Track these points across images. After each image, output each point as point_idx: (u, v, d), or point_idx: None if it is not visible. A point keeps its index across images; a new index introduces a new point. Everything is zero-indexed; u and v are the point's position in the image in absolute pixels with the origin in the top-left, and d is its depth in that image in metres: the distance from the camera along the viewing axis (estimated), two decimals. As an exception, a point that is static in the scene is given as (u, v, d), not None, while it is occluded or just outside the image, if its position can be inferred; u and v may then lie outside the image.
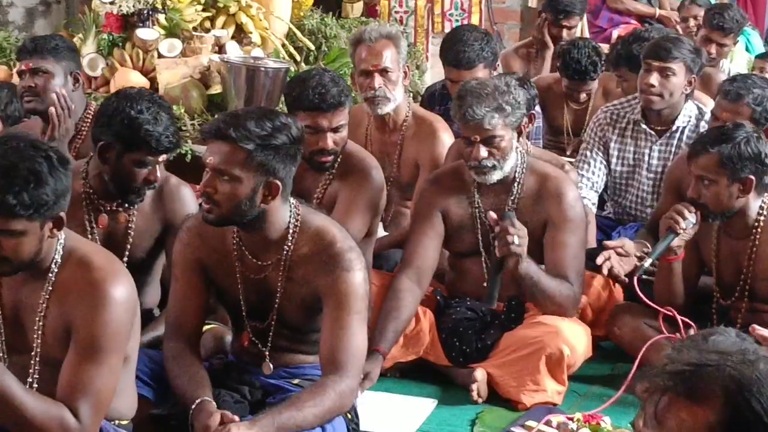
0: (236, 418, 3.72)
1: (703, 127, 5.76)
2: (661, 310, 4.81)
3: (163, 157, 4.40)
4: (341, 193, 4.94)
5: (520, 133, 4.92)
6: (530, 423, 4.39)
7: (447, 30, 6.77)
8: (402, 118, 5.67)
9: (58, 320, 3.49)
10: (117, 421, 3.70)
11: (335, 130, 4.82)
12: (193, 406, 3.79)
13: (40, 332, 3.51)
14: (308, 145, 4.61)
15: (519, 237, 4.57)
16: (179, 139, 4.60)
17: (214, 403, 3.85)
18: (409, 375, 4.93)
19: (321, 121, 4.75)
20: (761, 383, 2.13)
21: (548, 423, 4.36)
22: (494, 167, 4.74)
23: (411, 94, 6.42)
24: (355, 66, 5.73)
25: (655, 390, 2.20)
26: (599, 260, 5.17)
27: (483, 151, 4.68)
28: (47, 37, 5.53)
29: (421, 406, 4.65)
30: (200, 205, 4.15)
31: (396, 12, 7.20)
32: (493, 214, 4.61)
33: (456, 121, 4.93)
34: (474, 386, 4.65)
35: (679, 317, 4.74)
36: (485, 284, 4.86)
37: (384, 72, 5.49)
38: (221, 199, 3.87)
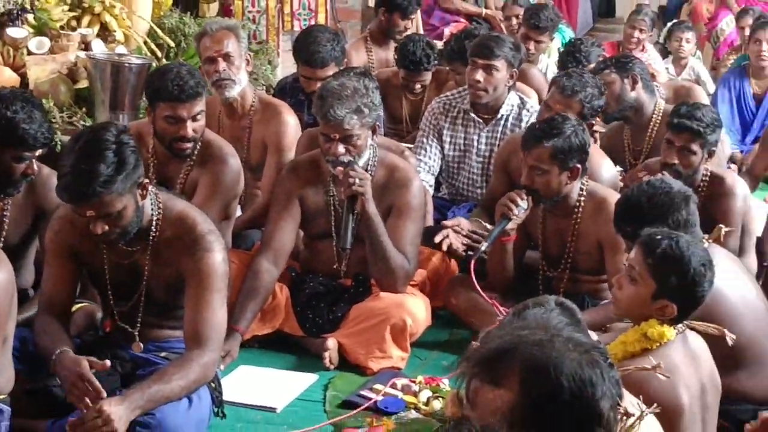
0: (106, 363, 3.75)
1: (525, 115, 5.95)
2: (486, 299, 4.85)
3: (39, 152, 4.35)
4: (201, 179, 4.97)
5: (374, 131, 5.00)
6: (377, 386, 4.52)
7: (296, 28, 6.80)
8: (249, 103, 5.73)
9: None
10: None
11: (194, 118, 4.85)
12: (53, 357, 3.79)
13: None
14: (169, 133, 4.76)
15: (360, 179, 4.71)
16: (53, 134, 4.54)
17: (71, 351, 3.83)
18: (267, 346, 4.99)
19: (180, 111, 4.77)
20: (556, 362, 2.17)
21: (393, 386, 4.52)
22: (352, 163, 4.81)
23: (264, 87, 6.47)
24: (201, 57, 5.75)
25: (464, 375, 2.27)
26: (438, 238, 5.33)
27: (341, 149, 4.75)
28: None
29: (298, 379, 4.69)
30: None
31: (249, 11, 7.11)
32: (340, 168, 4.73)
33: (318, 119, 4.93)
34: (326, 354, 4.78)
35: (499, 308, 4.74)
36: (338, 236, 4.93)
37: (227, 56, 5.55)
38: (122, 225, 3.89)
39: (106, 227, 3.85)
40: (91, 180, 3.74)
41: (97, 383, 3.65)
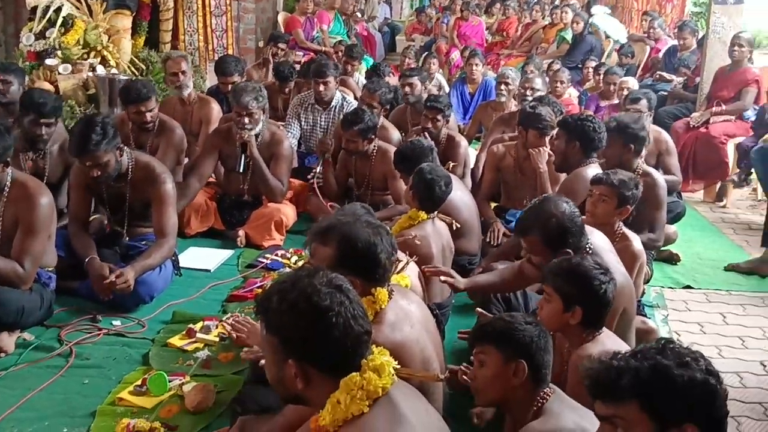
0: (121, 270, 3.66)
1: (345, 105, 5.82)
2: (324, 204, 4.89)
3: (50, 121, 4.27)
4: (161, 142, 4.81)
5: (264, 112, 4.94)
6: (269, 255, 4.52)
7: (216, 57, 6.73)
8: (192, 98, 5.56)
9: (12, 217, 3.45)
10: (47, 268, 3.64)
11: (150, 111, 4.73)
12: (86, 260, 3.76)
13: (0, 224, 3.44)
14: (136, 121, 4.68)
15: (248, 134, 4.68)
16: (60, 110, 4.48)
17: (98, 258, 3.80)
18: (205, 236, 4.89)
19: (140, 107, 4.66)
20: (356, 232, 2.22)
21: (276, 253, 4.55)
22: (251, 129, 4.74)
23: (198, 90, 6.30)
24: (167, 72, 5.59)
25: (309, 241, 2.33)
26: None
27: (246, 120, 4.69)
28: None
29: (223, 253, 4.62)
30: None
31: (188, 48, 7.10)
32: (242, 130, 4.68)
33: (232, 104, 4.83)
34: (239, 238, 4.75)
35: (330, 209, 4.70)
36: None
37: (183, 72, 5.44)
38: (108, 175, 3.81)
39: (99, 172, 3.77)
40: (86, 142, 3.69)
41: (113, 280, 3.61)
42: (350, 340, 1.65)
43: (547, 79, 7.25)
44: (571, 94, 7.45)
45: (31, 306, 3.45)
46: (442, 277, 3.18)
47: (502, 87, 6.46)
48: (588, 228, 2.96)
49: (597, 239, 2.97)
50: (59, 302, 3.76)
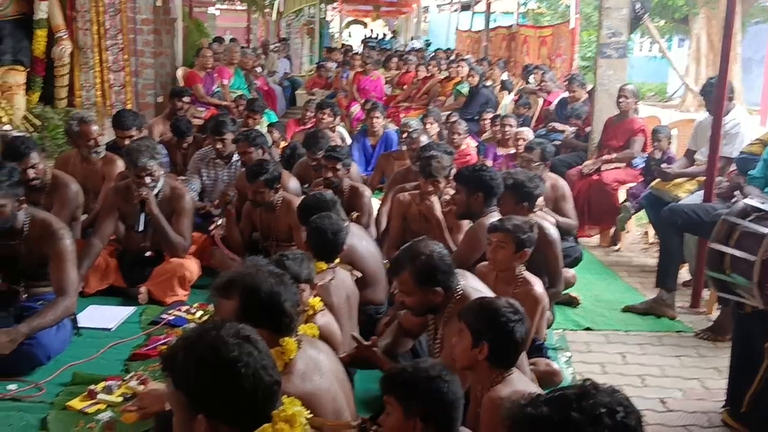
0: None
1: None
2: (229, 255, 4.93)
3: None
4: (55, 199, 4.70)
5: (163, 167, 4.91)
6: (172, 311, 4.46)
7: (114, 111, 6.64)
8: (99, 158, 5.41)
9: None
10: None
11: (32, 166, 4.59)
12: None
13: None
14: (23, 177, 4.33)
15: (146, 192, 4.61)
16: None
17: None
18: (104, 294, 4.77)
19: (22, 165, 4.43)
20: (258, 283, 2.21)
21: (179, 309, 4.48)
22: (154, 186, 4.71)
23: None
24: (80, 137, 5.34)
25: (213, 296, 2.31)
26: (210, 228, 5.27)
27: (147, 179, 4.66)
28: None
29: (124, 311, 4.52)
30: None
31: (84, 104, 6.97)
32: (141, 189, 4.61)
33: (129, 165, 4.75)
34: (140, 295, 4.67)
35: (235, 259, 4.79)
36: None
37: (96, 139, 5.34)
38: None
39: None
40: None
41: None
42: (261, 392, 1.65)
43: (445, 132, 7.50)
44: (469, 144, 7.71)
45: None
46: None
47: (405, 136, 6.63)
48: (464, 272, 3.11)
49: (472, 281, 3.09)
50: (-53, 369, 3.56)
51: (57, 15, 6.67)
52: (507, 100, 10.01)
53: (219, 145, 5.84)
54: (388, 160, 6.87)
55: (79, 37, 6.93)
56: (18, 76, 6.40)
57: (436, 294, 2.91)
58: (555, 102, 9.01)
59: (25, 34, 6.53)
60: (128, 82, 7.43)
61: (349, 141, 8.13)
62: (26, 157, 4.59)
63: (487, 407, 2.35)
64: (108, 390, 3.44)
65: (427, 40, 27.53)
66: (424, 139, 6.05)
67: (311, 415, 1.76)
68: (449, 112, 9.06)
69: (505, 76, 11.64)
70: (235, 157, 5.93)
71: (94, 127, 5.36)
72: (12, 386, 3.53)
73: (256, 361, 1.66)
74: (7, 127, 5.95)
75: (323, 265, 3.48)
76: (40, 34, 6.58)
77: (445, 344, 2.89)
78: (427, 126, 7.26)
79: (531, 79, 10.19)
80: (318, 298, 3.04)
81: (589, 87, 8.36)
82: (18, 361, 3.61)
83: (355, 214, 4.51)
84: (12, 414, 3.30)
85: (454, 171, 4.74)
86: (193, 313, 4.46)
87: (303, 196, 4.65)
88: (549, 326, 4.25)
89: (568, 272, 4.88)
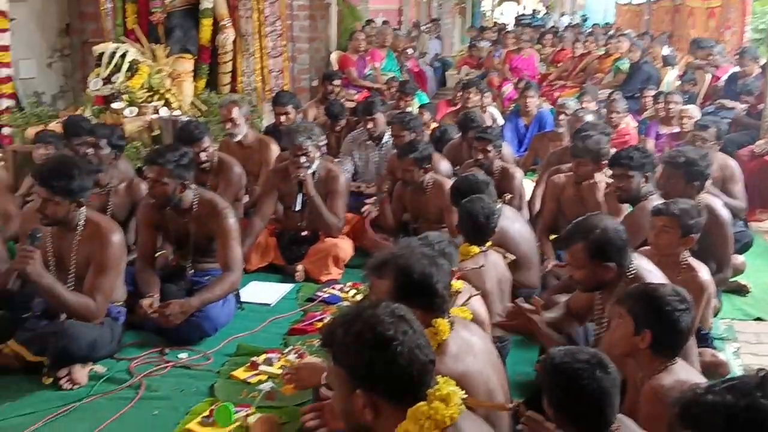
0: (170, 301, 3.80)
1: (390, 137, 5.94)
2: (377, 239, 5.07)
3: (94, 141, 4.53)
4: (221, 181, 4.99)
5: (319, 149, 5.00)
6: (327, 289, 4.59)
7: (273, 95, 6.86)
8: (250, 140, 5.65)
9: (84, 254, 3.59)
10: (117, 303, 3.77)
11: (204, 150, 4.92)
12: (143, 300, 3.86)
13: (74, 261, 3.61)
14: (195, 160, 4.62)
15: (304, 173, 4.74)
16: (110, 137, 4.66)
17: (157, 296, 3.91)
18: (265, 271, 4.96)
19: (195, 147, 4.76)
20: (412, 264, 2.24)
21: (334, 287, 4.62)
22: (308, 167, 4.82)
23: (258, 130, 6.43)
24: (221, 115, 5.69)
25: (367, 275, 2.36)
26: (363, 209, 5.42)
27: (302, 159, 4.78)
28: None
29: (283, 287, 4.70)
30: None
31: (245, 89, 7.28)
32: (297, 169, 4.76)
33: (288, 144, 4.92)
34: (297, 273, 4.83)
35: (384, 243, 4.89)
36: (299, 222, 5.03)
37: (232, 119, 5.51)
38: (159, 195, 4.02)
39: (154, 188, 4.01)
40: (159, 155, 4.02)
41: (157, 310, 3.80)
42: (416, 369, 1.69)
43: (603, 111, 7.23)
44: (629, 123, 7.40)
45: (102, 339, 3.58)
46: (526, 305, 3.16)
47: (561, 117, 6.47)
48: (639, 254, 2.98)
49: (644, 264, 2.97)
50: (128, 336, 3.90)
51: (221, 4, 7.01)
52: (671, 77, 9.49)
53: (370, 125, 5.94)
54: (542, 141, 6.73)
55: (241, 25, 7.24)
56: (186, 64, 6.79)
57: (607, 270, 2.83)
58: (724, 78, 8.47)
59: (192, 24, 6.91)
60: (285, 67, 7.68)
61: (501, 121, 8.02)
62: (199, 141, 4.89)
63: (648, 396, 2.28)
64: (269, 362, 3.62)
65: (583, 15, 26.58)
66: (590, 118, 5.87)
67: (465, 395, 1.77)
68: (607, 90, 8.73)
69: (667, 51, 11.02)
70: (386, 138, 6.01)
71: (234, 109, 5.55)
72: (183, 355, 3.80)
73: (411, 339, 1.70)
74: (177, 112, 6.35)
75: (475, 249, 3.46)
76: (206, 23, 6.95)
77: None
78: (584, 105, 7.04)
79: (697, 53, 9.60)
80: (461, 282, 3.01)
81: (763, 61, 7.77)
82: (188, 332, 3.87)
83: (507, 197, 4.46)
84: (183, 380, 3.56)
85: (611, 152, 4.58)
86: (347, 292, 4.57)
87: (454, 178, 4.65)
88: (715, 315, 4.05)
89: (737, 258, 4.63)
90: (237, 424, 3.09)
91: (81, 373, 3.50)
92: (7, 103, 6.44)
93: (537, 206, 5.26)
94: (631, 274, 2.85)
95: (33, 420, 3.17)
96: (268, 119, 7.17)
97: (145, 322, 3.94)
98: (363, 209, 5.32)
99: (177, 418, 3.20)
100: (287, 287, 4.74)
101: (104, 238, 3.57)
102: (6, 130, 6.33)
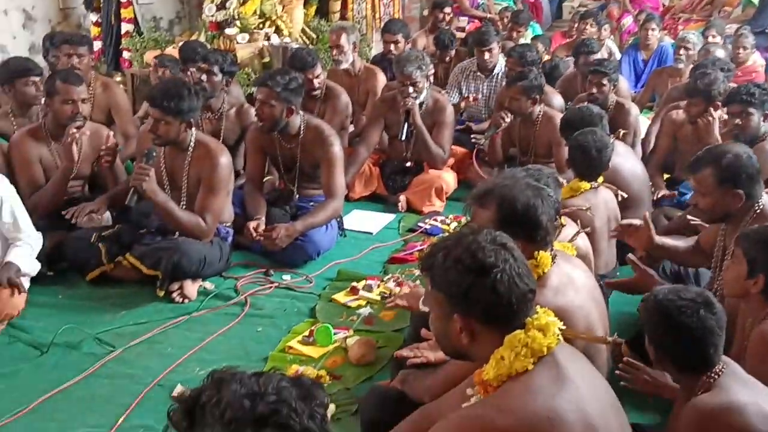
0: (275, 225, 3.92)
1: (504, 69, 5.80)
2: (481, 172, 4.98)
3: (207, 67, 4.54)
4: (328, 108, 5.02)
5: (428, 79, 4.94)
6: (428, 220, 4.62)
7: (382, 24, 6.85)
8: (357, 69, 5.66)
9: (195, 175, 3.74)
10: (225, 224, 3.92)
11: (317, 77, 4.92)
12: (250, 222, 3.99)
13: (185, 180, 3.77)
14: (306, 85, 4.59)
15: (411, 102, 4.69)
16: (223, 64, 4.62)
17: (263, 219, 4.04)
18: (368, 200, 5.03)
19: (308, 74, 4.76)
20: (516, 194, 2.18)
21: (435, 219, 4.64)
22: (416, 97, 4.77)
23: (365, 59, 6.41)
24: (330, 42, 5.71)
25: (468, 205, 2.31)
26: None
27: (410, 89, 4.74)
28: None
29: (385, 217, 4.76)
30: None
31: (355, 17, 7.25)
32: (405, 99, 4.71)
33: (396, 73, 4.89)
34: (399, 204, 4.87)
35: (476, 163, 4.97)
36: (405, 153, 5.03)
37: (339, 46, 5.53)
38: (266, 117, 4.08)
39: (260, 110, 4.04)
40: (269, 78, 4.06)
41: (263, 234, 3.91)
42: (515, 297, 1.67)
43: (729, 46, 6.81)
44: (756, 61, 6.94)
45: (211, 257, 3.74)
46: (636, 221, 3.09)
47: (681, 52, 6.17)
48: None
49: None
50: (236, 256, 4.05)
51: (333, -70, 6.98)
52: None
53: (486, 56, 5.82)
54: (661, 77, 6.41)
55: (353, -48, 7.22)
56: (297, -9, 6.83)
57: (735, 197, 2.70)
58: None
59: (304, -49, 6.92)
60: (396, -7, 7.62)
61: (618, 55, 7.69)
62: (312, 68, 4.91)
63: (757, 341, 2.19)
64: (368, 288, 3.70)
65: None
66: (721, 54, 5.55)
67: (564, 327, 1.75)
68: (735, 25, 8.18)
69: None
70: (497, 69, 5.89)
71: (342, 36, 5.52)
72: (286, 277, 3.93)
73: (512, 267, 1.68)
74: (287, 39, 6.40)
75: (586, 185, 3.37)
76: (318, -50, 6.95)
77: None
78: (709, 39, 6.63)
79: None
80: (565, 218, 2.90)
81: None
82: (293, 255, 4.00)
83: (621, 132, 4.29)
84: (286, 301, 3.70)
85: (729, 88, 4.32)
86: (448, 224, 4.58)
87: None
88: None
89: None
90: (336, 345, 3.20)
91: (191, 288, 3.68)
92: (127, 27, 6.64)
93: (651, 144, 5.05)
94: (759, 208, 2.72)
95: (147, 329, 3.39)
96: (377, 48, 7.13)
97: (251, 244, 4.07)
98: (473, 140, 5.24)
99: (279, 335, 3.34)
100: (389, 217, 4.77)
101: (213, 160, 3.68)
102: (126, 54, 6.57)
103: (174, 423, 1.11)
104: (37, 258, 3.45)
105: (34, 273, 3.45)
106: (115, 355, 3.17)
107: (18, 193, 3.40)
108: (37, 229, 3.44)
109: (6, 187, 3.29)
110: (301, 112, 4.17)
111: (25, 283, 3.36)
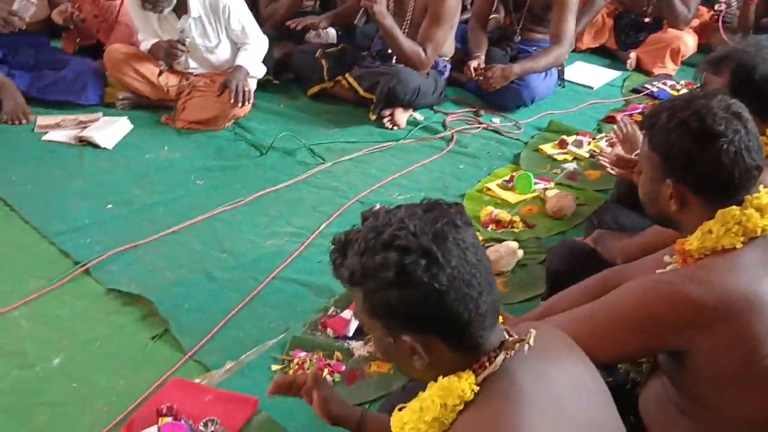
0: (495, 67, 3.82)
1: None
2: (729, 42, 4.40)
3: None
4: None
5: None
6: (657, 83, 4.36)
7: None
8: None
9: (421, 5, 3.72)
10: (444, 57, 3.93)
11: None
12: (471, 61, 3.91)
13: (411, 8, 3.78)
14: None
15: None
16: None
17: (483, 58, 3.94)
18: (595, 51, 4.85)
19: None
20: (756, 63, 2.01)
21: (664, 82, 4.37)
22: None
23: None
24: None
25: (700, 70, 2.16)
26: None
27: None
28: None
29: (608, 73, 4.53)
30: None
31: None
32: None
33: None
34: (629, 61, 4.62)
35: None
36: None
37: None
38: None
39: None
40: None
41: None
42: (738, 171, 1.56)
43: None
44: None
45: (426, 88, 3.80)
46: None
47: None
48: None
49: None
50: (449, 91, 4.09)
51: None
52: None
53: None
54: None
55: None
56: None
57: None
58: None
59: None
60: None
61: None
62: None
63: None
64: (578, 144, 3.60)
65: None
66: None
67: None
68: None
69: None
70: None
71: None
72: (496, 119, 3.92)
73: (741, 139, 1.56)
74: None
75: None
76: None
77: None
78: None
79: None
80: None
81: None
82: (506, 98, 3.95)
83: None
84: (491, 143, 3.71)
85: None
86: (678, 90, 4.31)
87: None
88: None
89: None
90: (535, 194, 3.19)
91: (402, 116, 3.79)
92: None
93: None
94: None
95: (356, 148, 3.57)
96: None
97: (467, 82, 4.07)
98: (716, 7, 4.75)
99: (479, 175, 3.39)
100: (614, 73, 4.58)
101: None
102: None
103: (332, 260, 1.26)
104: (265, 66, 3.73)
105: (260, 75, 3.77)
106: (324, 167, 3.39)
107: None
108: (268, 39, 3.69)
109: None
110: None
111: (252, 84, 3.68)
